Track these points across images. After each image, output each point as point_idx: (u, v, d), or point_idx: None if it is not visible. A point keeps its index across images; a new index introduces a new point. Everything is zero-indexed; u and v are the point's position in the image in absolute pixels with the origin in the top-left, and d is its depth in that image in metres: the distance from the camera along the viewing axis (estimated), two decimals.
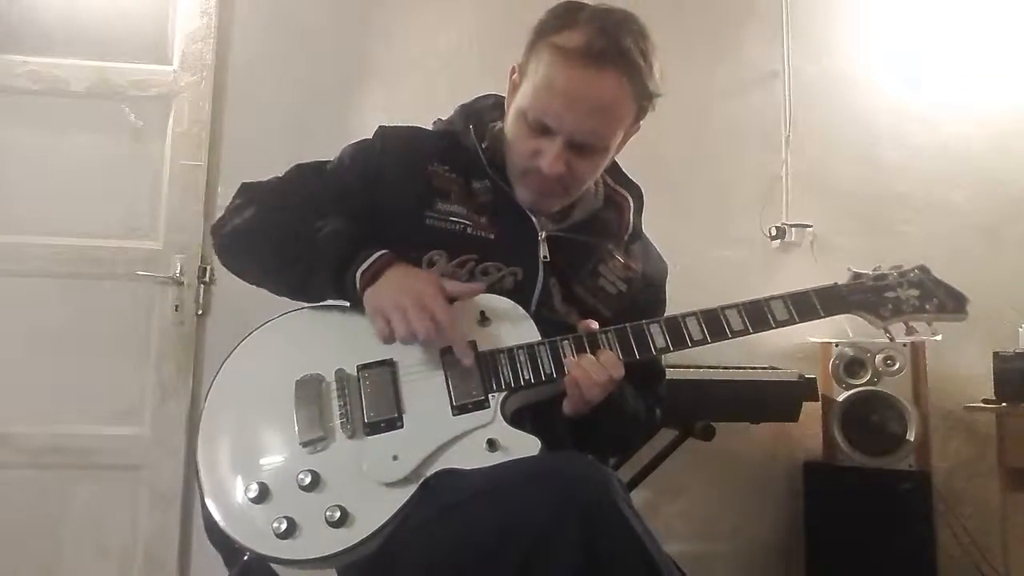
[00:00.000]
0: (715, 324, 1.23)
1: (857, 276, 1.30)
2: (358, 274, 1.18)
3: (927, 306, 1.27)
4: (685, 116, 3.02)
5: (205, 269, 2.76)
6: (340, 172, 1.35)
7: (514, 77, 1.31)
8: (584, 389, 1.17)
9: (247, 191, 1.36)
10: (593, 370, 1.16)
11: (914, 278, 1.29)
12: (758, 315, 1.24)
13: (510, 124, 1.29)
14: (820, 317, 1.27)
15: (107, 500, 2.64)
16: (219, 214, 2.95)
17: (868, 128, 3.12)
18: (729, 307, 1.24)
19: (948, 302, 1.28)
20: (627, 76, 1.21)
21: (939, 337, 1.31)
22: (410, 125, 1.41)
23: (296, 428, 1.13)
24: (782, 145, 3.07)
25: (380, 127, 1.39)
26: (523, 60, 1.28)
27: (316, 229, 1.22)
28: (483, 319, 1.21)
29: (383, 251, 1.20)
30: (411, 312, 1.13)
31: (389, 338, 1.15)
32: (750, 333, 1.23)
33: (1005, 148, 3.10)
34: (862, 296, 1.28)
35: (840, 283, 1.29)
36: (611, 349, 1.20)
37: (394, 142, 1.36)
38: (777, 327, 1.24)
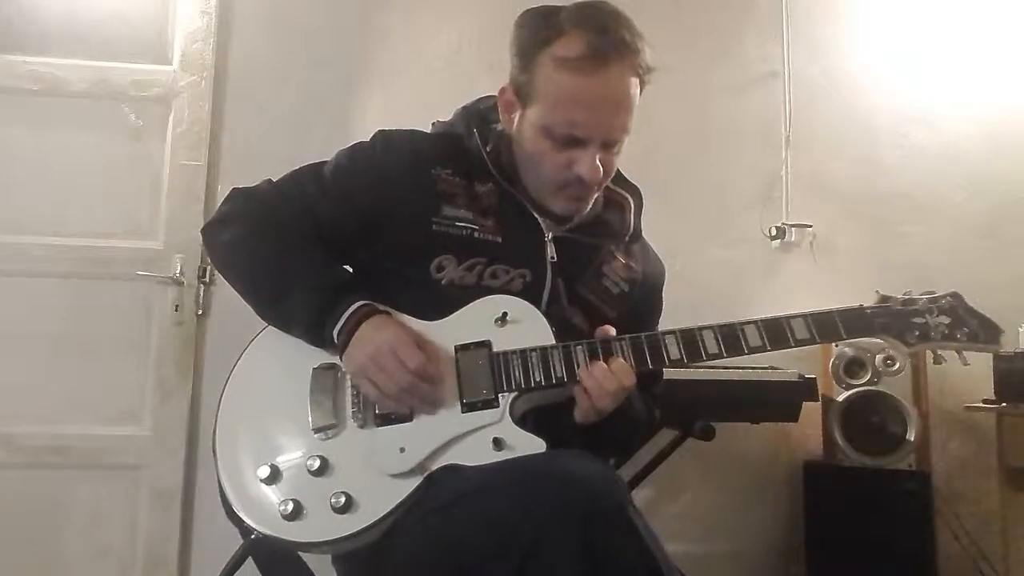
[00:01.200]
0: (732, 339, 1.21)
1: (885, 299, 1.27)
2: (335, 336, 1.19)
3: (958, 334, 1.25)
4: (685, 116, 3.03)
5: (205, 269, 2.76)
6: (339, 174, 1.33)
7: (507, 97, 1.30)
8: (595, 398, 1.16)
9: (235, 201, 1.35)
10: (604, 379, 1.16)
11: (945, 305, 1.26)
12: (777, 333, 1.22)
13: (531, 143, 1.27)
14: (842, 339, 1.25)
15: (107, 500, 2.64)
16: None
17: (868, 128, 3.12)
18: (747, 323, 1.22)
19: (980, 332, 1.25)
20: (631, 64, 1.22)
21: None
22: (408, 129, 1.40)
23: (310, 415, 1.16)
24: (782, 145, 3.07)
25: (379, 131, 1.38)
26: (519, 79, 1.27)
27: (293, 273, 1.22)
28: (503, 319, 1.21)
29: (354, 306, 1.19)
30: (388, 369, 1.14)
31: (380, 399, 1.16)
32: (768, 351, 1.22)
33: (1005, 148, 3.10)
34: (888, 320, 1.25)
35: (866, 305, 1.27)
36: (624, 358, 1.19)
37: (395, 145, 1.35)
38: (796, 346, 1.22)
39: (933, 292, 1.28)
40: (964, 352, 1.27)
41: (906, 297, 1.28)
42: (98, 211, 2.74)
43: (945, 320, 1.25)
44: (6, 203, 2.71)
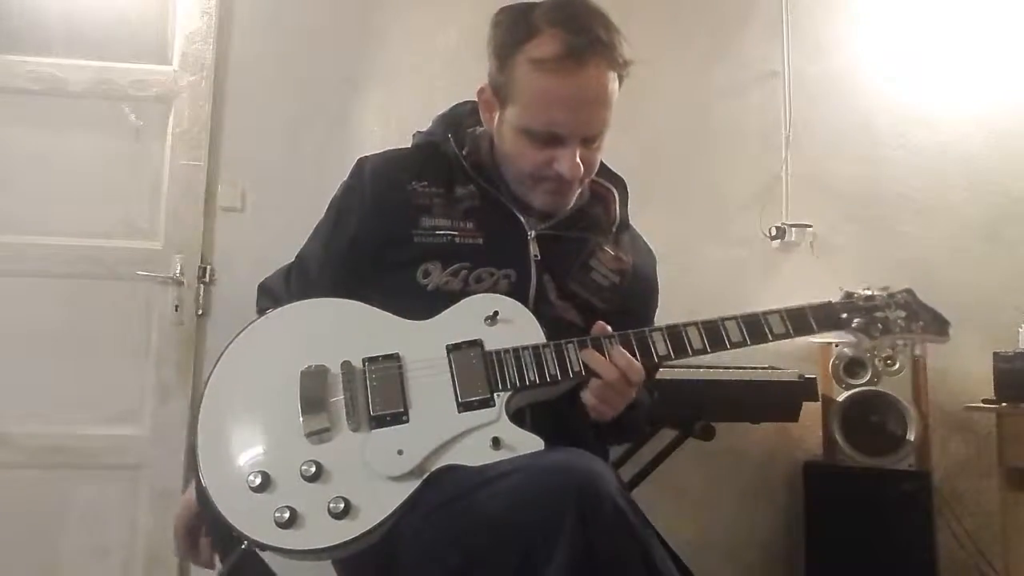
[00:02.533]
0: (714, 334, 1.24)
1: (849, 295, 1.34)
2: None
3: (913, 327, 1.32)
4: (685, 116, 3.03)
5: (205, 269, 2.76)
6: (330, 229, 1.38)
7: (485, 97, 1.31)
8: (614, 384, 1.17)
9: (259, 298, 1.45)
10: (604, 370, 1.17)
11: (901, 300, 1.33)
12: (756, 328, 1.26)
13: (510, 143, 1.28)
14: (814, 333, 1.31)
15: (107, 500, 2.64)
16: (219, 215, 2.97)
17: (868, 128, 3.12)
18: (728, 319, 1.26)
19: (932, 324, 1.33)
20: (607, 60, 1.23)
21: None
22: (386, 150, 1.43)
23: (300, 418, 1.13)
24: (782, 145, 3.07)
25: (359, 160, 1.40)
26: (497, 79, 1.29)
27: None
28: (493, 318, 1.21)
29: None
30: None
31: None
32: (748, 345, 1.26)
33: (1005, 148, 3.10)
34: (854, 315, 1.32)
35: (834, 301, 1.33)
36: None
37: (370, 172, 1.37)
38: (774, 340, 1.27)
39: (888, 288, 1.35)
40: (918, 344, 1.36)
41: (867, 293, 1.34)
42: (98, 211, 2.74)
43: (902, 314, 1.32)
44: (6, 203, 2.71)
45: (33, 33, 2.79)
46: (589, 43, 1.20)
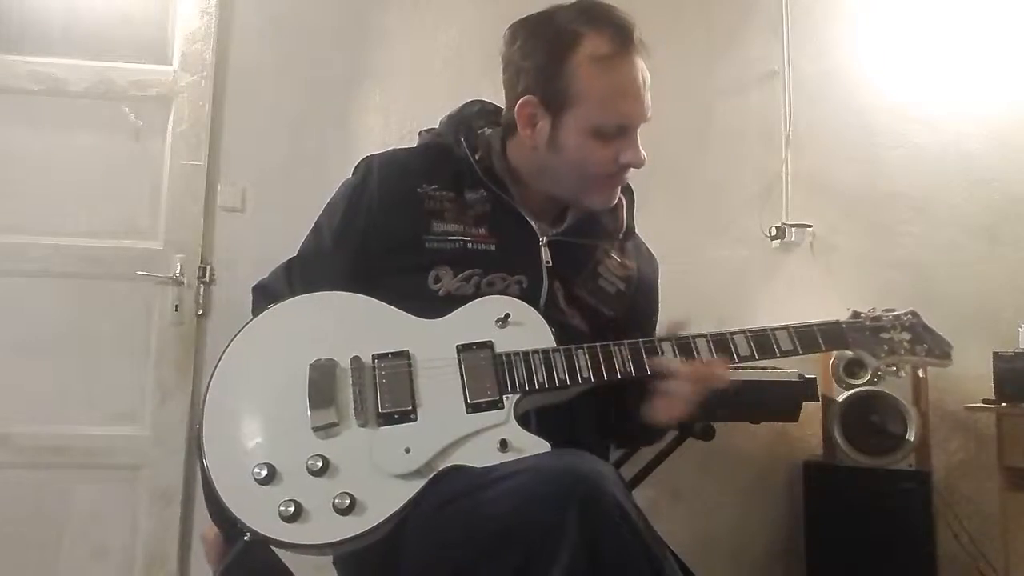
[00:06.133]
0: (723, 348, 1.26)
1: (856, 315, 1.36)
2: None
3: (917, 349, 1.34)
4: (685, 116, 3.02)
5: (205, 269, 2.76)
6: (333, 223, 1.36)
7: (529, 110, 1.29)
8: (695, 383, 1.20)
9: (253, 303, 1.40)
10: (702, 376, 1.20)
11: (907, 322, 1.35)
12: (765, 344, 1.27)
13: (576, 147, 1.27)
14: (821, 351, 1.33)
15: (107, 500, 2.65)
16: (219, 214, 2.97)
17: (868, 128, 3.11)
18: (737, 333, 1.27)
19: (936, 348, 1.35)
20: (641, 46, 1.27)
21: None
22: (393, 149, 1.42)
23: (308, 412, 1.12)
24: (782, 145, 3.07)
25: (365, 159, 1.39)
26: (548, 88, 1.26)
27: None
28: (504, 320, 1.21)
29: None
30: None
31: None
32: (756, 360, 1.27)
33: (1005, 148, 3.10)
34: (860, 335, 1.34)
35: (841, 321, 1.35)
36: (623, 362, 1.21)
37: (378, 173, 1.35)
38: (782, 356, 1.29)
39: (894, 309, 1.37)
40: (920, 367, 1.38)
41: (873, 314, 1.36)
42: (98, 211, 2.74)
43: (907, 336, 1.34)
44: (6, 203, 2.71)
45: (33, 33, 2.79)
46: (631, 35, 1.25)
